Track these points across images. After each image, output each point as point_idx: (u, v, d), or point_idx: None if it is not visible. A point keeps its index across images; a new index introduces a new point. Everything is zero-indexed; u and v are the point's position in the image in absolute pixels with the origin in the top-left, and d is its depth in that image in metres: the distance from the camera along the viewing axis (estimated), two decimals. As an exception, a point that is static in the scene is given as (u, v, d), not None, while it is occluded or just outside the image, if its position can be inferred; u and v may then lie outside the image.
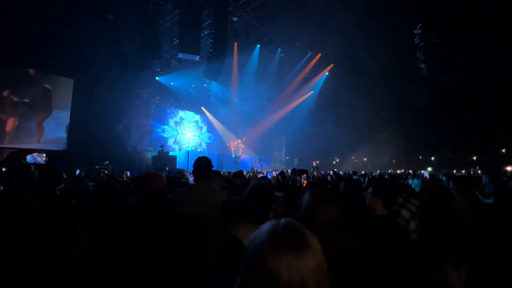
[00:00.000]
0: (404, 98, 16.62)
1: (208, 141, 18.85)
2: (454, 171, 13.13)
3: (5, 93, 9.81)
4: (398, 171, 15.37)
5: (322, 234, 1.19)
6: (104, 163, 9.98)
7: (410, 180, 6.62)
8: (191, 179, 4.71)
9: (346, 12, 11.29)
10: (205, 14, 11.21)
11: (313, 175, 4.72)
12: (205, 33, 12.19)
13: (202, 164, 2.09)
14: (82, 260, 1.31)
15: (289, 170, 7.10)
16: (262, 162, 15.92)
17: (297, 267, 0.52)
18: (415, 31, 11.30)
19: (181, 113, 17.32)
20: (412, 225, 1.77)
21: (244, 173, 6.09)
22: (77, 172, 6.43)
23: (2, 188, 2.36)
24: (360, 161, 22.81)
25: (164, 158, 11.80)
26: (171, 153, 13.16)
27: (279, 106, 19.24)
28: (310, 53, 15.50)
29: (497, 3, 10.50)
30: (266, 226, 0.60)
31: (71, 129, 11.31)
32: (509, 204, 2.33)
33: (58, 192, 2.20)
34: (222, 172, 4.74)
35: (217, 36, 10.78)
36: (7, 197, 2.15)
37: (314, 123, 19.36)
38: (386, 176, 5.89)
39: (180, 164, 12.59)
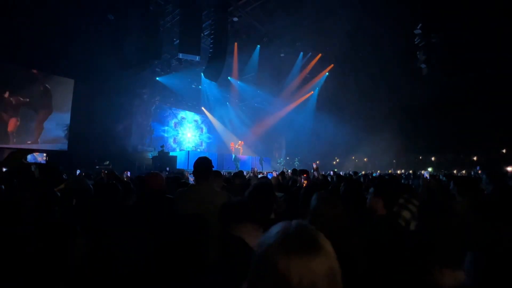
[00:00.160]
0: (405, 98, 16.61)
1: (208, 141, 18.85)
2: (455, 172, 13.12)
3: (6, 94, 9.83)
4: (399, 171, 15.36)
5: (331, 237, 1.20)
6: (105, 163, 9.99)
7: (404, 181, 6.63)
8: (191, 179, 4.72)
9: (346, 12, 11.28)
10: (205, 15, 11.22)
11: (313, 176, 4.72)
12: (205, 33, 12.20)
13: (203, 164, 2.09)
14: (82, 260, 1.31)
15: (289, 171, 7.10)
16: (262, 163, 15.92)
17: (309, 270, 0.50)
18: (415, 31, 11.30)
19: (181, 113, 17.33)
20: (413, 225, 1.77)
21: (244, 173, 6.09)
22: (78, 172, 6.43)
23: (3, 187, 2.36)
24: (361, 162, 22.81)
25: (165, 158, 11.81)
26: (171, 153, 13.17)
27: (280, 106, 19.24)
28: (310, 53, 15.51)
29: (497, 3, 10.49)
30: (277, 228, 0.58)
31: (71, 129, 11.32)
32: (510, 204, 2.33)
33: (58, 193, 2.20)
34: (222, 173, 4.74)
35: (217, 36, 10.79)
36: (7, 197, 2.15)
37: (315, 123, 19.35)
38: (386, 177, 5.88)
39: (180, 164, 12.59)
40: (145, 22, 10.37)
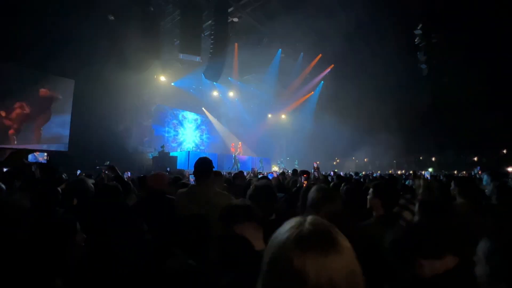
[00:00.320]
0: (405, 98, 16.61)
1: (208, 142, 18.85)
2: (455, 172, 13.11)
3: (7, 94, 9.84)
4: (399, 172, 15.35)
5: None
6: (105, 164, 9.98)
7: (407, 181, 6.63)
8: (191, 179, 4.71)
9: (346, 12, 11.29)
10: (206, 15, 11.23)
11: (314, 176, 4.72)
12: (205, 34, 12.21)
13: (203, 164, 2.09)
14: (82, 259, 1.31)
15: (289, 171, 7.10)
16: (262, 163, 15.92)
17: (325, 267, 0.49)
18: (416, 32, 11.32)
19: (182, 114, 17.33)
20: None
21: (245, 173, 6.09)
22: (78, 172, 6.44)
23: (4, 187, 2.36)
24: (361, 162, 22.79)
25: (165, 159, 11.81)
26: (171, 154, 13.17)
27: (280, 107, 19.25)
28: (310, 53, 15.52)
29: (497, 3, 10.49)
30: (290, 223, 0.56)
31: (72, 130, 11.32)
32: (510, 205, 2.33)
33: (60, 191, 2.20)
34: (222, 173, 4.74)
35: (217, 36, 10.80)
36: (7, 197, 2.15)
37: (315, 123, 19.36)
38: (385, 177, 5.88)
39: (180, 164, 12.59)
40: (146, 23, 10.39)
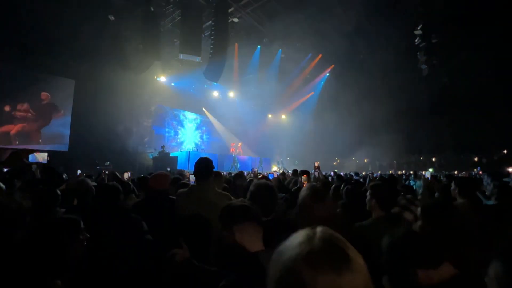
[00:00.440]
0: (405, 98, 16.59)
1: (208, 142, 18.86)
2: (456, 172, 13.10)
3: (7, 94, 9.85)
4: (399, 172, 15.34)
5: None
6: (105, 164, 9.99)
7: (412, 181, 6.61)
8: (192, 179, 4.71)
9: (346, 13, 11.29)
10: (206, 15, 11.25)
11: (314, 176, 4.72)
12: (206, 34, 12.22)
13: (203, 165, 2.09)
14: (82, 257, 1.31)
15: (290, 171, 7.09)
16: (261, 163, 15.90)
17: (338, 285, 0.46)
18: (416, 32, 11.32)
19: (182, 114, 17.34)
20: (415, 227, 1.76)
21: (245, 174, 6.09)
22: (78, 172, 6.43)
23: (4, 187, 2.36)
24: (361, 162, 22.77)
25: (165, 159, 11.81)
26: (171, 154, 13.16)
27: (280, 107, 19.25)
28: (311, 54, 15.52)
29: (497, 3, 10.49)
30: (299, 238, 0.53)
31: (72, 130, 11.33)
32: (511, 205, 2.32)
33: (59, 193, 2.20)
34: (222, 173, 4.74)
35: (217, 37, 10.81)
36: (7, 197, 2.15)
37: (315, 123, 19.35)
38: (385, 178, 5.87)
39: (180, 164, 12.59)
40: (146, 23, 10.40)
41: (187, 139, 17.37)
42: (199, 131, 18.40)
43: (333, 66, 16.65)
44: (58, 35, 9.45)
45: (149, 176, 2.80)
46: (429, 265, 1.00)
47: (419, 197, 3.93)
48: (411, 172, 9.19)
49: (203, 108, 17.90)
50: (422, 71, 12.24)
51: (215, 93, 17.44)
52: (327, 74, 17.37)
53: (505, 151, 17.24)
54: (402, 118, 17.57)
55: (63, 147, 11.23)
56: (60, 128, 11.21)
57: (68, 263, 1.21)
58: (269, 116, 20.08)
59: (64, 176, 3.97)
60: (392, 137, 17.28)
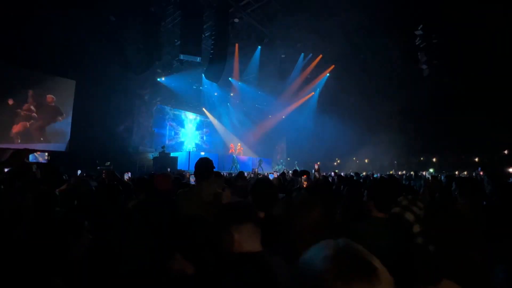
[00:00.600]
0: (406, 99, 16.58)
1: (209, 142, 18.87)
2: (456, 173, 13.07)
3: (8, 95, 9.87)
4: (400, 172, 15.32)
5: (301, 239, 1.19)
6: (106, 164, 9.99)
7: (412, 181, 6.61)
8: (192, 180, 4.72)
9: (347, 13, 11.29)
10: (206, 16, 11.25)
11: (314, 176, 4.72)
12: (206, 35, 12.23)
13: (204, 165, 2.09)
14: (82, 258, 1.31)
15: (290, 172, 7.09)
16: (261, 163, 15.88)
17: None
18: (416, 32, 11.30)
19: (182, 114, 17.36)
20: (416, 228, 1.74)
21: (245, 174, 6.09)
22: (78, 172, 6.44)
23: (4, 187, 2.37)
24: (362, 162, 22.75)
25: (165, 159, 11.81)
26: (172, 154, 13.17)
27: (280, 107, 19.24)
28: (311, 54, 15.51)
29: (497, 3, 10.48)
30: (323, 251, 0.53)
31: (72, 130, 11.35)
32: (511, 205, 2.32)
33: (58, 194, 2.20)
34: (222, 174, 4.74)
35: (218, 37, 10.82)
36: (8, 197, 2.15)
37: (315, 124, 19.33)
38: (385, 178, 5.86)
39: (181, 165, 12.59)
40: (146, 23, 10.41)
41: (187, 139, 17.38)
42: (200, 131, 18.42)
43: (333, 66, 16.63)
44: (59, 35, 9.48)
45: (146, 177, 2.80)
46: (428, 282, 0.97)
47: (419, 197, 3.92)
48: (412, 173, 9.19)
49: (203, 108, 17.92)
50: (423, 71, 12.22)
51: (216, 94, 17.45)
52: (328, 74, 17.34)
53: (505, 151, 17.21)
54: (403, 119, 17.57)
55: (64, 147, 11.24)
56: (60, 128, 11.22)
57: (69, 263, 1.21)
58: (270, 116, 20.08)
59: (64, 177, 3.97)
60: (392, 137, 17.27)
